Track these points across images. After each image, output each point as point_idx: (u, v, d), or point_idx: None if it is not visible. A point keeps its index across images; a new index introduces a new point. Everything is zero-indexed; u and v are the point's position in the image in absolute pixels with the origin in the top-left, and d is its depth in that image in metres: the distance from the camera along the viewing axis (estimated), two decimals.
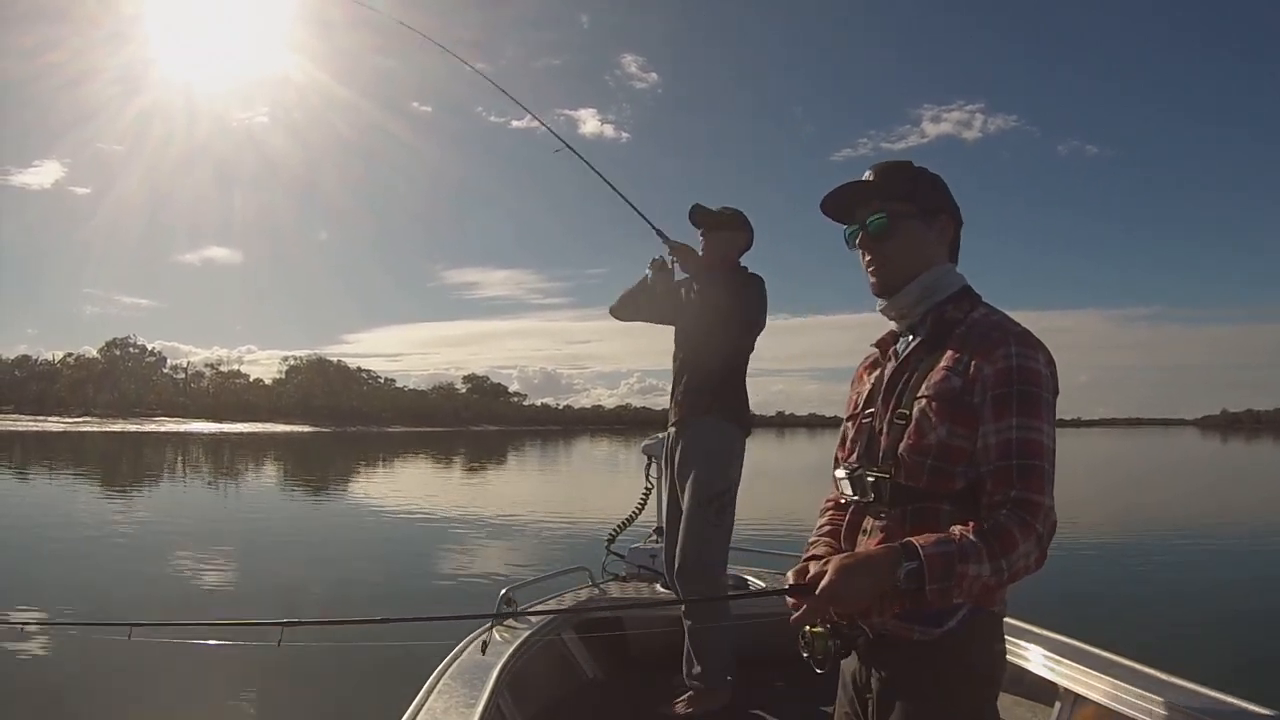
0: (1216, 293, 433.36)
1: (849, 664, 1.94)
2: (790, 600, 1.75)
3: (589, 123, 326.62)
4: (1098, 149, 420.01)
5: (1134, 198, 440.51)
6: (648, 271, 4.41)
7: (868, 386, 2.02)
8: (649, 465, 5.02)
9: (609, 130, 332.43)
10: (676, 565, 4.03)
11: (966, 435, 1.77)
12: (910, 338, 1.97)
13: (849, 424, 2.04)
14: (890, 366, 1.97)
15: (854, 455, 1.97)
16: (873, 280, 1.98)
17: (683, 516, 4.05)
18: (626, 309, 4.49)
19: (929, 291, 1.94)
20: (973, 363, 1.78)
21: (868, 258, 1.98)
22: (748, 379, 4.29)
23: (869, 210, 1.96)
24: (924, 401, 1.81)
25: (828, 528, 2.05)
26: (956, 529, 1.67)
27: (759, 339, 4.31)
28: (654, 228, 4.47)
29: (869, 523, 1.90)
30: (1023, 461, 1.71)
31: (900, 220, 1.94)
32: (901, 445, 1.83)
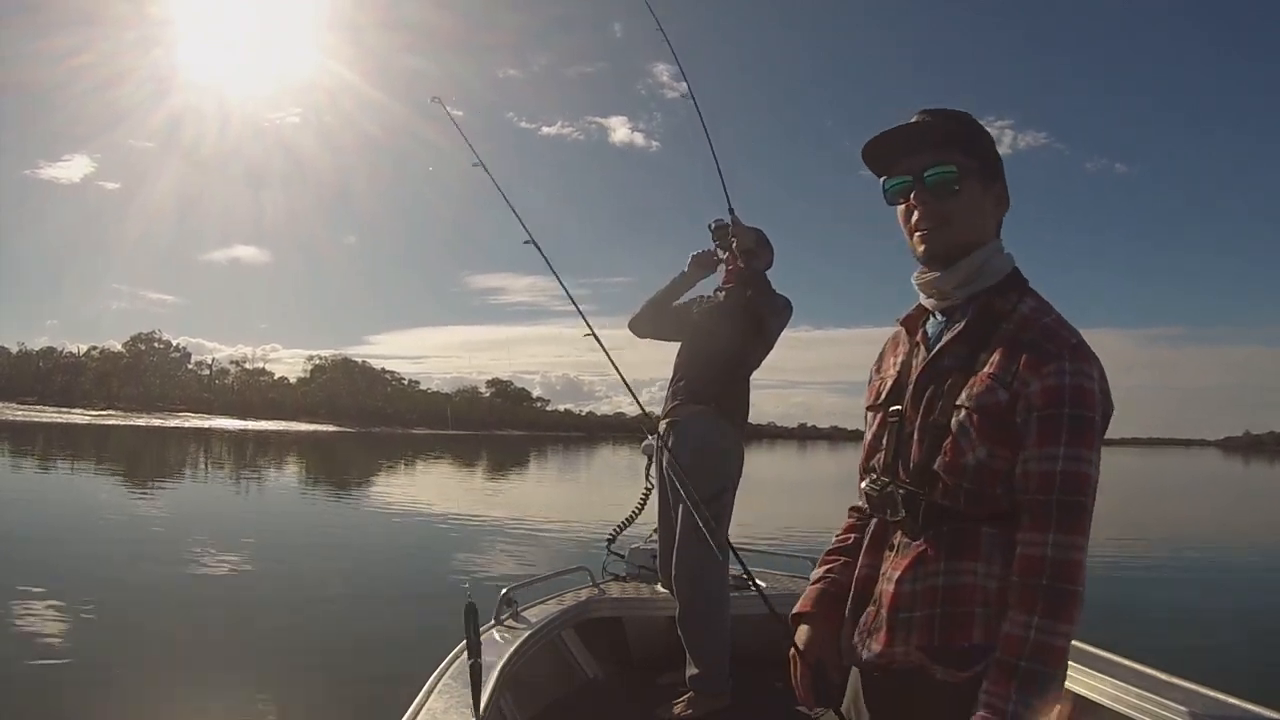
0: (1240, 314, 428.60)
1: (856, 680, 1.79)
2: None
3: (619, 130, 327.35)
4: (1126, 167, 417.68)
5: (1160, 218, 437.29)
6: (684, 269, 4.34)
7: (893, 374, 1.79)
8: (649, 465, 5.00)
9: (639, 139, 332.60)
10: (675, 569, 3.99)
11: (1008, 457, 1.56)
12: (943, 321, 1.74)
13: (871, 417, 1.82)
14: (921, 356, 1.73)
15: (879, 461, 1.75)
16: (922, 246, 1.71)
17: (682, 523, 3.95)
18: (644, 322, 4.38)
19: (979, 273, 1.69)
20: (1020, 374, 1.56)
21: (917, 217, 1.70)
22: (754, 388, 4.25)
23: (927, 160, 1.67)
24: (964, 413, 1.59)
25: (840, 560, 1.89)
26: (994, 687, 1.49)
27: (772, 355, 4.28)
28: (726, 194, 4.32)
29: (899, 538, 1.69)
30: (1065, 498, 1.52)
31: (968, 176, 1.67)
32: (937, 461, 1.61)
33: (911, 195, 1.70)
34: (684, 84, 4.61)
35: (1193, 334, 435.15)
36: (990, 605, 1.56)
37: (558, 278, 4.16)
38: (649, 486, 4.88)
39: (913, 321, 1.81)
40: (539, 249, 3.87)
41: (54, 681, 6.30)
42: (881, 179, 1.76)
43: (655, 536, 4.92)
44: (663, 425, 4.18)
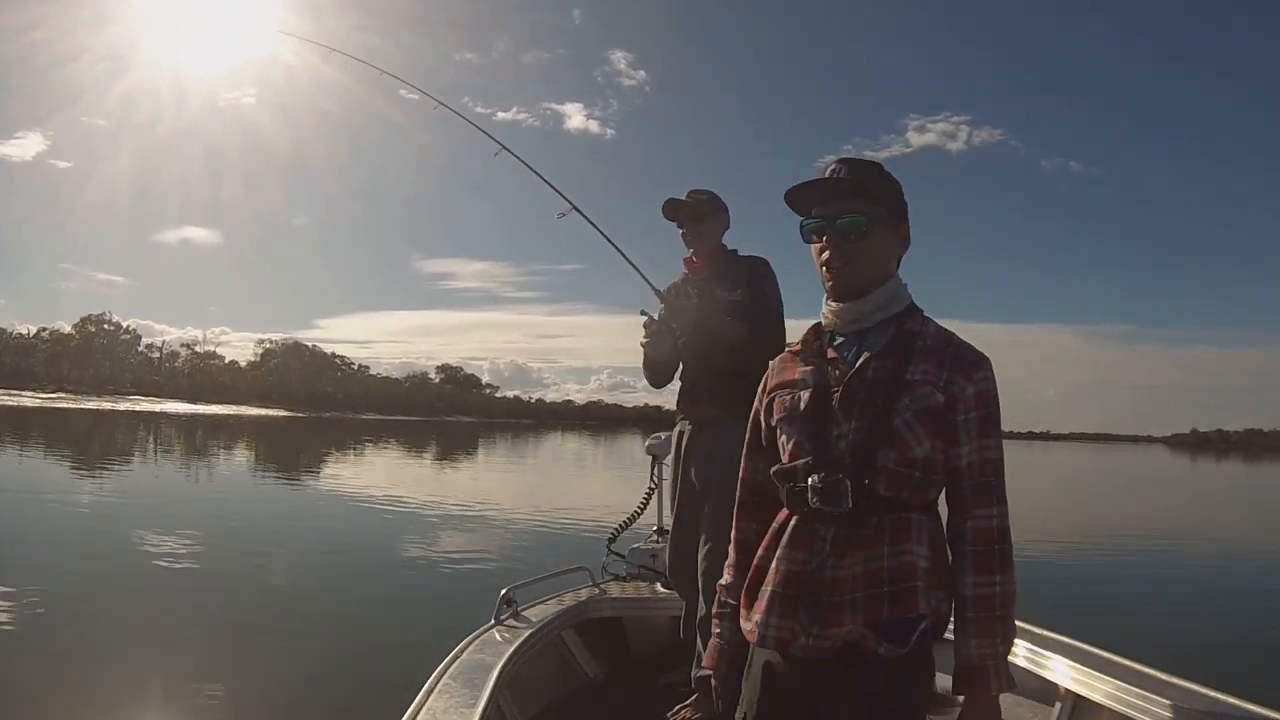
0: (1190, 314, 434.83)
1: (776, 665, 1.90)
2: None
3: (575, 118, 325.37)
4: (1081, 167, 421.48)
5: (1113, 217, 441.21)
6: (644, 340, 3.99)
7: (805, 391, 1.94)
8: (654, 465, 4.97)
9: (594, 126, 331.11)
10: (705, 570, 3.78)
11: (944, 449, 1.87)
12: (851, 341, 1.94)
13: (787, 425, 1.96)
14: (841, 371, 1.91)
15: (806, 464, 1.88)
16: (830, 281, 1.95)
17: (713, 522, 3.78)
18: (661, 379, 4.12)
19: (890, 301, 1.94)
20: (954, 381, 1.87)
21: (827, 255, 1.93)
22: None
23: (841, 207, 1.92)
24: (909, 414, 1.84)
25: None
26: (983, 639, 1.82)
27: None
28: (646, 280, 4.18)
29: (830, 531, 1.84)
30: (1000, 479, 1.89)
31: (874, 223, 1.92)
32: (887, 457, 1.83)
33: (824, 237, 1.94)
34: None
35: (1142, 332, 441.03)
36: (925, 581, 1.82)
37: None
38: (652, 486, 4.83)
39: (809, 344, 2.03)
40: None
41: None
42: (801, 219, 2.00)
43: (656, 537, 4.89)
44: (689, 428, 4.03)
